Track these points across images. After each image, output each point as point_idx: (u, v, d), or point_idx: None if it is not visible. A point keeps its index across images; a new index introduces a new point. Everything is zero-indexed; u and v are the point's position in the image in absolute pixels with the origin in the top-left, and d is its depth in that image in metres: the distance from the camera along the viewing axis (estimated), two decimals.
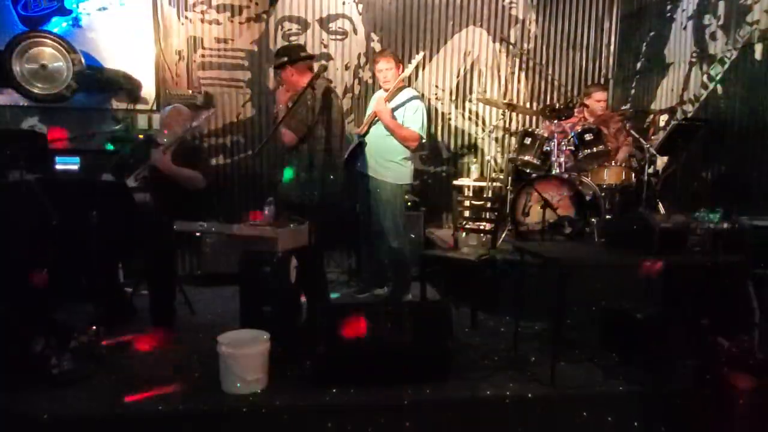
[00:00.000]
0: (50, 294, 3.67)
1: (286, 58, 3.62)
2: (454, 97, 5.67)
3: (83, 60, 4.76)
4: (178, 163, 3.63)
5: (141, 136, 4.85)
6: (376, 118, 4.11)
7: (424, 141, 4.25)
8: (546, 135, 4.61)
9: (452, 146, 5.72)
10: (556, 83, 5.75)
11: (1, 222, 3.35)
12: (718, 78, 4.41)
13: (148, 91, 5.10)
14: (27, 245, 3.34)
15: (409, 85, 4.42)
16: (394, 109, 4.09)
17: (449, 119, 5.69)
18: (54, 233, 3.43)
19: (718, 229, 2.85)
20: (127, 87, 5.05)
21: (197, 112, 4.11)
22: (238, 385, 2.63)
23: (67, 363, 2.70)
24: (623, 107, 5.53)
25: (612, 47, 5.83)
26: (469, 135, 5.74)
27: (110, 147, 4.78)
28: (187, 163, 3.69)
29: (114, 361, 2.89)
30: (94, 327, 3.02)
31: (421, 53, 4.34)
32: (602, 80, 5.81)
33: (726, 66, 4.33)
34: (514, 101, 5.56)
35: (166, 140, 3.63)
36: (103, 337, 3.04)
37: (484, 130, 5.71)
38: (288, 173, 3.60)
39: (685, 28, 4.81)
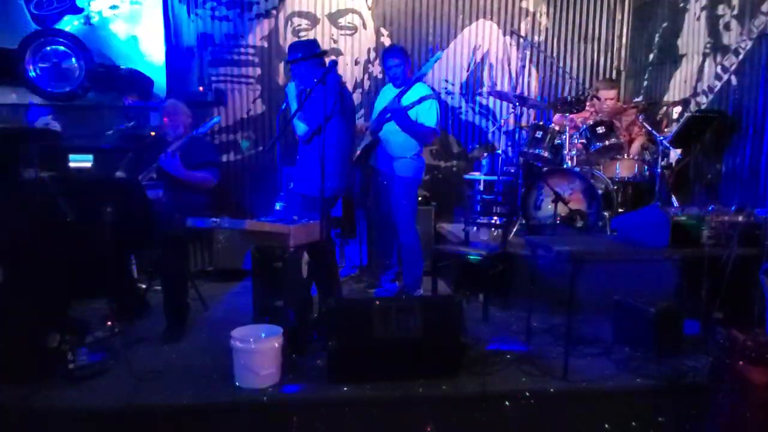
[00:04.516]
0: (66, 290, 3.71)
1: (300, 54, 3.61)
2: (464, 91, 5.64)
3: (95, 58, 4.79)
4: (188, 164, 3.63)
5: (153, 134, 4.89)
6: (389, 115, 4.08)
7: (438, 136, 4.23)
8: (557, 128, 4.58)
9: (463, 140, 5.70)
10: (567, 76, 5.70)
11: (17, 219, 3.38)
12: (732, 69, 4.35)
13: (160, 88, 5.12)
14: (42, 242, 3.37)
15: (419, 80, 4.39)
16: (408, 107, 4.05)
17: (460, 113, 5.67)
18: (68, 230, 3.47)
19: (732, 221, 2.83)
20: (139, 85, 5.07)
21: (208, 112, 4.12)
22: (252, 379, 2.65)
23: (83, 358, 2.74)
24: (636, 99, 5.47)
25: (624, 39, 5.76)
26: (480, 129, 5.71)
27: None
28: (197, 164, 3.70)
29: (129, 356, 2.91)
30: (109, 323, 3.06)
31: (441, 53, 4.31)
32: (614, 72, 5.75)
33: (740, 57, 4.27)
34: (525, 95, 5.52)
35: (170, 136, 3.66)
36: (117, 332, 3.08)
37: (494, 124, 5.68)
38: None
39: (698, 18, 4.75)
